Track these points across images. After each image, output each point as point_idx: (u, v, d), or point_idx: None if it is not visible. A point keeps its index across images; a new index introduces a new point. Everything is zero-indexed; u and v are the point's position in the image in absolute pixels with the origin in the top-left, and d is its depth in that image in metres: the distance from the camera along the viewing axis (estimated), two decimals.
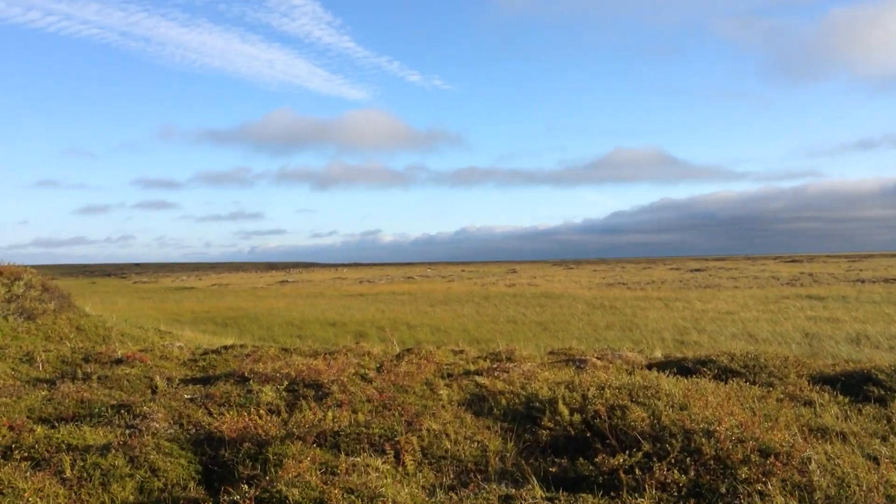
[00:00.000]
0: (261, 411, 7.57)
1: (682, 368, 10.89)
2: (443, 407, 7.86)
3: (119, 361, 10.76)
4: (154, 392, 8.91)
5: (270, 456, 5.99)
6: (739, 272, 78.88)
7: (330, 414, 7.16)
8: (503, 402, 7.86)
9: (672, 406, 7.16)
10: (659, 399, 7.37)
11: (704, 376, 10.14)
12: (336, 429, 6.63)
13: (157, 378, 9.60)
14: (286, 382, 8.34)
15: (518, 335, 26.14)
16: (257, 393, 7.76)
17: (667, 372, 10.16)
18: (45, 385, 9.28)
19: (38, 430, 6.59)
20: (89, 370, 9.79)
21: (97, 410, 7.66)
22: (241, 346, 12.89)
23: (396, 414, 7.30)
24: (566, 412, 7.09)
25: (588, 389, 7.79)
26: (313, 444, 6.34)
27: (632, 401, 7.35)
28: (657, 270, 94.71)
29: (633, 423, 6.70)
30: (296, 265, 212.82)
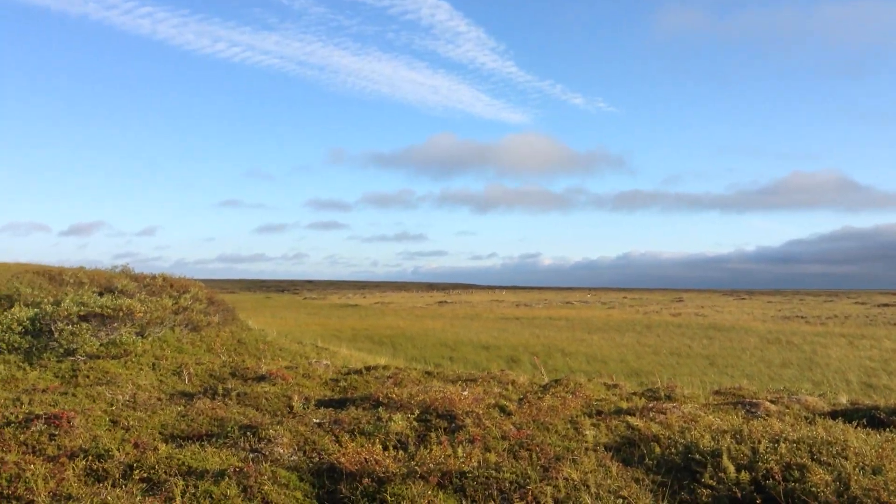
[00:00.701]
0: (389, 442, 7.07)
1: (873, 419, 9.33)
2: (587, 451, 7.01)
3: (262, 378, 10.73)
4: (291, 411, 8.68)
5: (388, 497, 5.44)
6: None
7: (460, 450, 6.52)
8: (657, 450, 6.87)
9: (862, 468, 5.92)
10: (846, 458, 6.13)
11: None
12: (464, 469, 5.98)
13: (295, 398, 9.39)
14: (418, 411, 7.81)
15: (681, 369, 24.40)
16: (386, 421, 7.27)
17: (854, 423, 8.70)
18: (185, 399, 9.32)
19: (163, 448, 6.44)
20: (230, 386, 9.78)
21: (229, 429, 7.47)
22: (385, 367, 12.59)
23: (533, 456, 6.54)
24: (732, 468, 6.03)
25: (759, 442, 6.65)
26: (437, 485, 5.73)
27: (812, 459, 6.16)
28: (840, 304, 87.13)
29: (813, 488, 5.56)
30: (455, 286, 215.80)
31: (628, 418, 8.43)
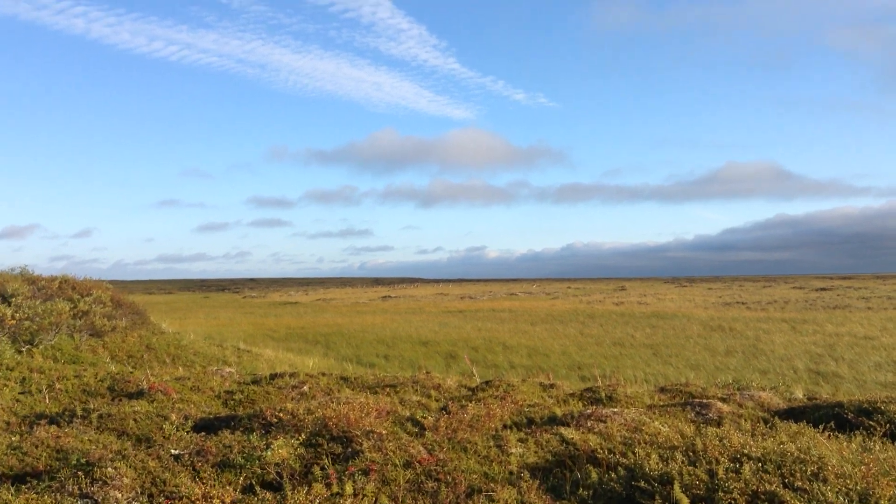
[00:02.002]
0: (266, 475, 5.65)
1: (838, 419, 8.26)
2: (510, 477, 5.71)
3: (139, 394, 9.16)
4: (163, 435, 7.19)
5: None
6: (870, 292, 72.30)
7: (349, 487, 5.15)
8: (594, 475, 5.61)
9: (847, 495, 4.75)
10: (825, 482, 4.96)
11: (873, 433, 7.52)
12: None
13: (173, 417, 7.89)
14: (306, 434, 6.39)
15: (624, 361, 23.47)
16: (263, 449, 5.85)
17: (819, 426, 7.62)
18: (36, 423, 7.72)
19: None
20: (93, 406, 8.21)
21: (74, 462, 5.97)
22: (293, 374, 11.13)
23: (441, 490, 5.21)
24: (686, 501, 4.79)
25: (717, 462, 5.43)
26: None
27: (784, 485, 4.96)
28: (778, 289, 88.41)
29: None
30: (402, 281, 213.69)
31: (562, 430, 7.16)
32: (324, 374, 11.49)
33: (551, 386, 10.93)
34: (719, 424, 8.31)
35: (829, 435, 7.06)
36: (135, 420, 7.82)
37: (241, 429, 7.21)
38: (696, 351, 25.56)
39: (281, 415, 7.04)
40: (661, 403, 9.50)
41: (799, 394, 10.78)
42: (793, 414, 9.04)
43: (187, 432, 7.34)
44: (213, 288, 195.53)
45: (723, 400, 9.76)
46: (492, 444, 6.67)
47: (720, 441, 6.12)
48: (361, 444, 6.15)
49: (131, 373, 10.89)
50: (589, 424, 7.47)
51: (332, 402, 7.80)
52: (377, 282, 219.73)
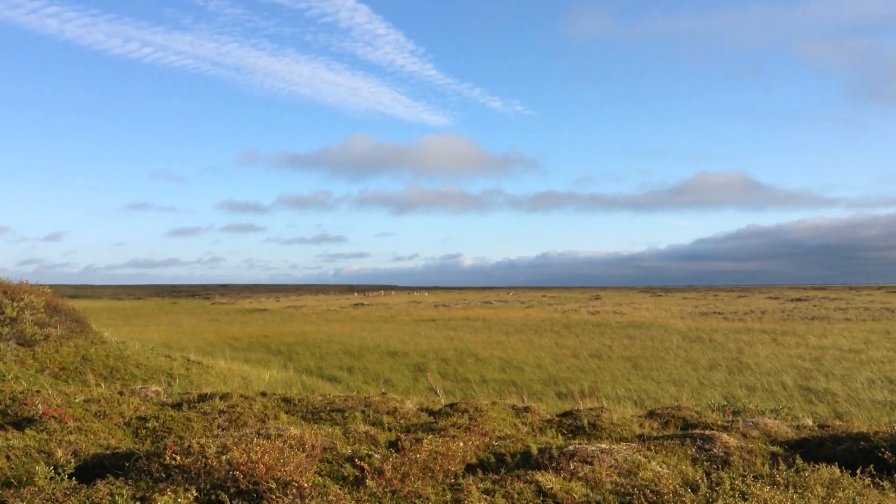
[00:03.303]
0: None
1: (867, 456, 6.90)
2: None
3: (29, 421, 7.57)
4: (33, 483, 5.65)
5: None
6: (846, 303, 71.88)
7: None
8: None
9: None
10: None
11: None
12: None
13: (60, 453, 6.35)
14: (194, 491, 4.88)
15: (603, 374, 22.11)
16: None
17: (848, 466, 6.25)
18: None
19: None
20: None
21: None
22: (225, 395, 9.57)
23: None
24: None
25: None
26: None
27: None
28: (754, 299, 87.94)
29: None
30: (377, 288, 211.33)
31: (539, 476, 5.71)
32: (264, 395, 9.95)
33: (525, 409, 9.49)
34: (727, 463, 6.92)
35: (869, 481, 5.67)
36: (8, 458, 6.26)
37: (134, 472, 5.68)
38: (678, 364, 24.29)
39: (178, 458, 5.51)
40: (654, 434, 8.09)
41: (808, 420, 9.42)
42: (807, 446, 7.68)
43: (68, 476, 5.80)
44: (183, 294, 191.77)
45: (725, 429, 8.39)
46: (448, 497, 5.20)
47: (742, 498, 4.71)
48: (275, 502, 4.65)
49: (38, 392, 9.27)
50: (572, 467, 6.03)
51: (256, 437, 6.29)
52: (351, 289, 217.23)
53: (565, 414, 9.40)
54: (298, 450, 6.00)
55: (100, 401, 8.76)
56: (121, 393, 9.75)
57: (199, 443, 6.09)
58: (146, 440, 7.61)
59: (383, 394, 10.14)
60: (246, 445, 5.97)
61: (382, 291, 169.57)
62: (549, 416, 9.29)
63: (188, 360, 20.44)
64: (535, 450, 6.73)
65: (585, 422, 8.65)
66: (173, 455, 5.74)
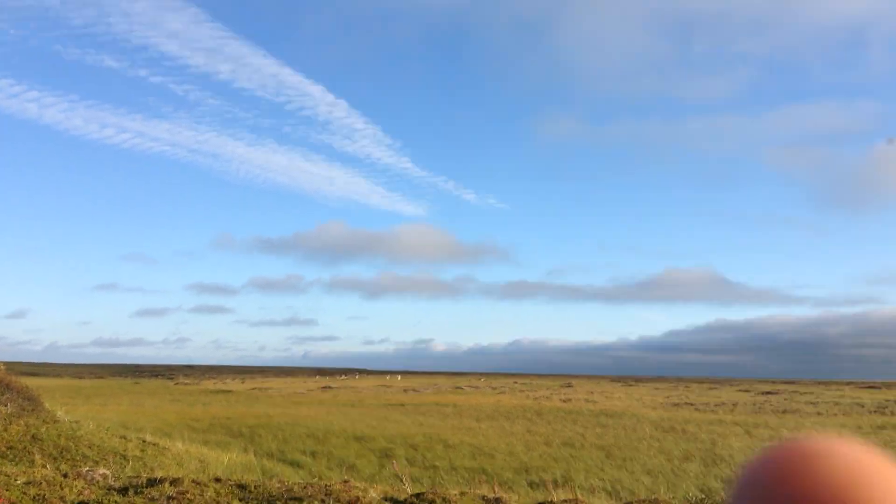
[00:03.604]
0: None
1: None
2: None
3: None
4: None
5: None
6: (815, 397, 71.73)
7: None
8: None
9: None
10: None
11: None
12: None
13: None
14: None
15: (576, 464, 21.46)
16: None
17: None
18: None
19: None
20: None
21: None
22: (175, 480, 8.95)
23: None
24: None
25: None
26: None
27: None
28: (724, 391, 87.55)
29: None
30: (347, 371, 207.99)
31: None
32: (218, 481, 9.33)
33: (496, 501, 8.97)
34: None
35: None
36: None
37: None
38: (652, 454, 23.73)
39: None
40: None
41: None
42: None
43: None
44: (146, 374, 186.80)
45: None
46: None
47: None
48: None
49: None
50: None
51: None
52: (320, 372, 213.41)
53: None
54: None
55: (41, 483, 8.13)
56: (65, 475, 9.09)
57: None
58: None
59: (345, 481, 9.56)
60: None
61: (357, 375, 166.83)
62: None
63: (144, 441, 19.53)
64: None
65: None
66: None
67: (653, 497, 9.77)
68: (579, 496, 10.30)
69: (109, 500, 7.58)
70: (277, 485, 9.43)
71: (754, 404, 57.95)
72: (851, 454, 0.43)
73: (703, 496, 11.64)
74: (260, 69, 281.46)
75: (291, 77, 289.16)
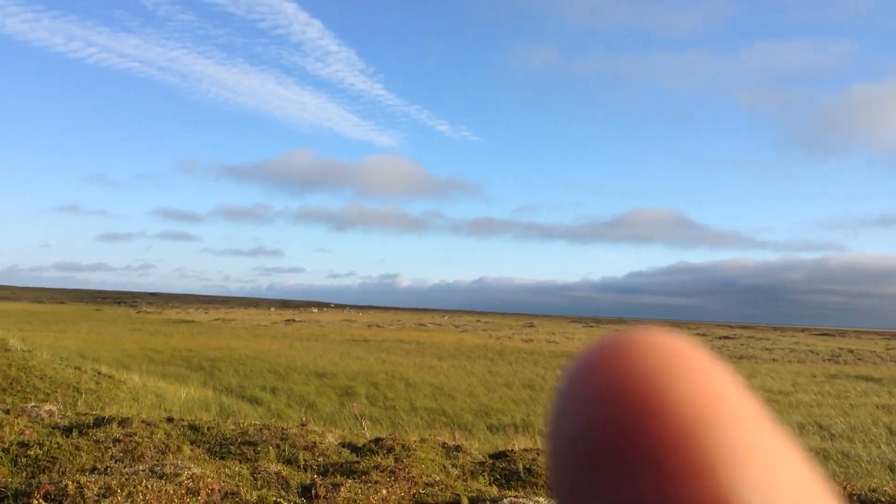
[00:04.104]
0: None
1: None
2: None
3: None
4: None
5: None
6: (772, 343, 73.45)
7: None
8: None
9: None
10: None
11: None
12: None
13: None
14: None
15: (536, 406, 21.59)
16: None
17: None
18: None
19: None
20: None
21: None
22: (124, 420, 8.61)
23: None
24: None
25: None
26: None
27: None
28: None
29: None
30: (311, 304, 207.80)
31: None
32: (170, 420, 9.01)
33: (457, 449, 8.80)
34: None
35: None
36: None
37: None
38: None
39: (51, 499, 4.67)
40: None
41: None
42: None
43: None
44: (109, 300, 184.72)
45: None
46: None
47: None
48: None
49: None
50: None
51: (148, 477, 5.47)
52: (285, 304, 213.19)
53: (499, 455, 8.76)
54: (194, 496, 5.19)
55: None
56: (7, 412, 8.69)
57: (77, 481, 5.23)
58: (24, 471, 6.65)
59: (303, 425, 9.32)
60: (133, 488, 5.14)
61: (318, 308, 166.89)
62: (481, 458, 8.63)
63: (99, 372, 19.12)
64: (465, 502, 6.06)
65: (521, 466, 8.02)
66: (46, 495, 4.88)
67: None
68: (540, 445, 10.20)
69: (52, 441, 7.22)
70: (232, 427, 9.15)
71: (711, 348, 58.95)
72: (670, 346, 0.48)
73: None
74: None
75: None
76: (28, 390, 15.49)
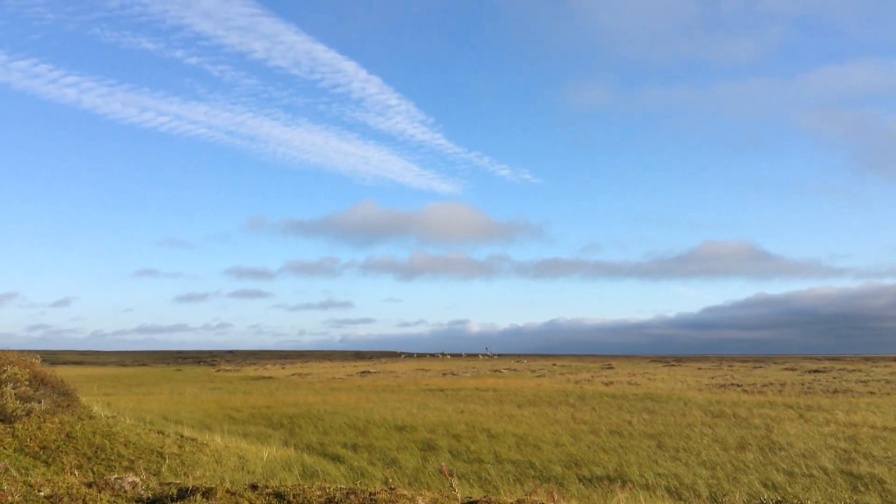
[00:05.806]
0: None
1: None
2: None
3: None
4: None
5: None
6: (865, 374, 69.55)
7: None
8: None
9: None
10: None
11: None
12: None
13: None
14: None
15: (627, 456, 20.55)
16: None
17: None
18: None
19: None
20: None
21: None
22: (208, 491, 8.28)
23: None
24: None
25: None
26: None
27: None
28: (770, 370, 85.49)
29: None
30: (383, 354, 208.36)
31: None
32: (254, 488, 8.66)
33: None
34: None
35: None
36: None
37: None
38: (705, 443, 22.72)
39: None
40: None
41: None
42: None
43: None
44: (189, 360, 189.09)
45: None
46: None
47: None
48: None
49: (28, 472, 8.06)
50: None
51: None
52: (358, 355, 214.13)
53: None
54: None
55: (63, 498, 7.51)
56: (90, 485, 8.49)
57: None
58: None
59: (391, 489, 8.83)
60: None
61: (389, 359, 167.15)
62: None
63: (182, 436, 19.10)
64: None
65: None
66: None
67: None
68: (642, 500, 9.44)
69: None
70: (318, 493, 8.74)
71: (803, 384, 56.20)
72: None
73: (781, 499, 10.68)
74: (293, 46, 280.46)
75: (324, 54, 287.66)
76: (113, 458, 15.49)
